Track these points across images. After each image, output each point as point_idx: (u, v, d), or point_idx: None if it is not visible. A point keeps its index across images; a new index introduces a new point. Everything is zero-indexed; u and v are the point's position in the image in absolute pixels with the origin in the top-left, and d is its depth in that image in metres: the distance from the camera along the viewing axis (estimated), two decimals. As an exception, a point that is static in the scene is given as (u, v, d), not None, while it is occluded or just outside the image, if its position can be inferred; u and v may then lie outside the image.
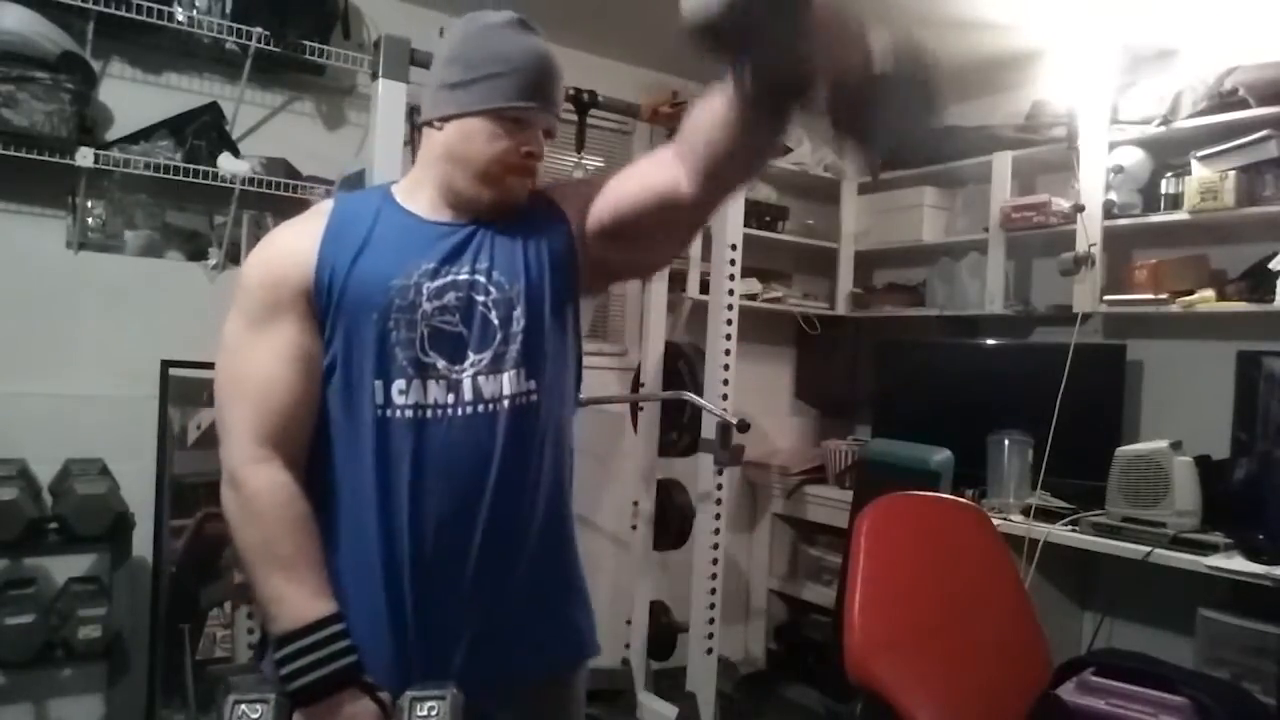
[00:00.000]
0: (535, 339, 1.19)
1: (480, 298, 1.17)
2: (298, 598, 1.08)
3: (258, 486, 1.10)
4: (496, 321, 1.17)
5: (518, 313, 1.18)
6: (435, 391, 1.13)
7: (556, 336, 1.22)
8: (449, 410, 1.13)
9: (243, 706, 1.04)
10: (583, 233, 1.24)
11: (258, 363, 1.13)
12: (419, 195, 1.23)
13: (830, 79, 0.91)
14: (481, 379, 1.15)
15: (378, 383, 1.13)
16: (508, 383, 1.16)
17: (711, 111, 1.04)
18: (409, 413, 1.12)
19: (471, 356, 1.15)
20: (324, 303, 1.14)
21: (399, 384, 1.13)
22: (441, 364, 1.14)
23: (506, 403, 1.15)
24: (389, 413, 1.12)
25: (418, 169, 1.25)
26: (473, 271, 1.17)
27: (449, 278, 1.16)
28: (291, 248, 1.17)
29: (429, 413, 1.13)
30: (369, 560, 1.13)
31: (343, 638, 1.08)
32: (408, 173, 1.29)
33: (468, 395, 1.14)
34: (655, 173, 1.16)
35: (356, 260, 1.15)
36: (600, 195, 1.23)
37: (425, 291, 1.14)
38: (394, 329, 1.13)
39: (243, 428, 1.12)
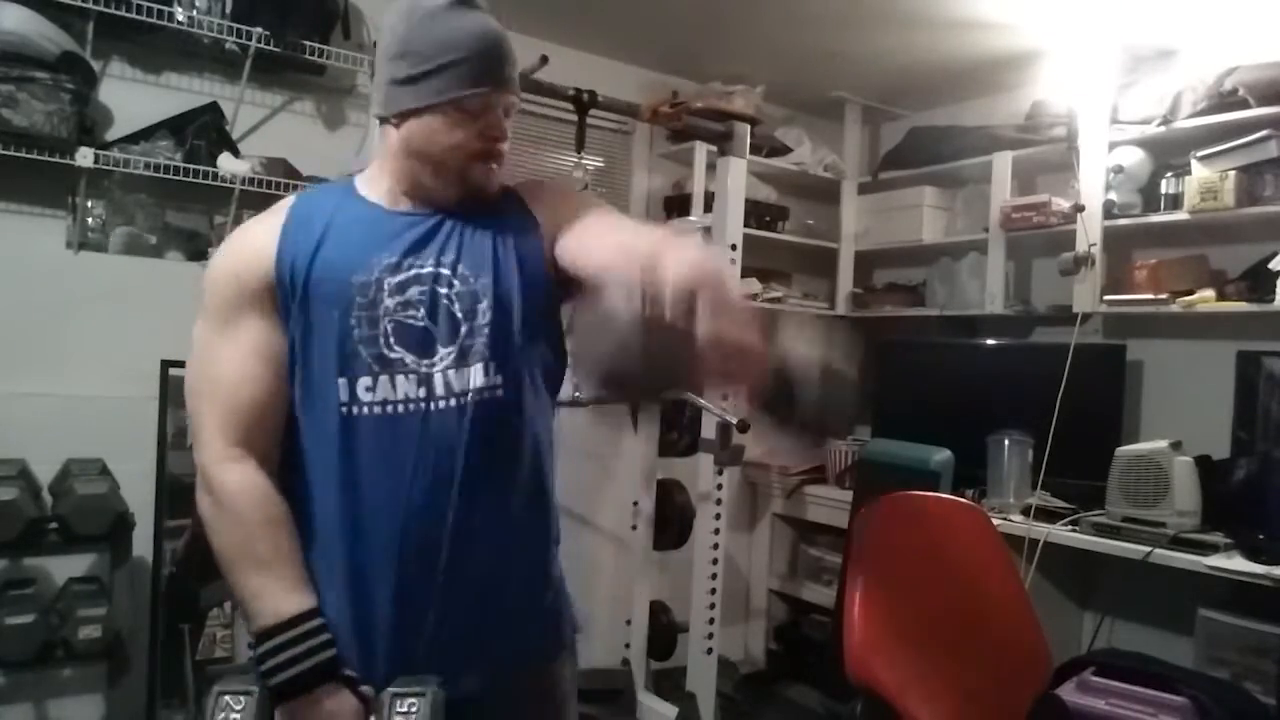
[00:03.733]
0: (503, 334, 1.16)
1: (444, 290, 1.15)
2: (275, 594, 1.08)
3: (231, 486, 1.10)
4: (460, 314, 1.15)
5: (483, 305, 1.16)
6: (405, 387, 1.11)
7: (529, 333, 1.19)
8: (422, 405, 1.12)
9: (226, 698, 1.04)
10: (552, 245, 1.21)
11: (225, 361, 1.13)
12: (379, 186, 1.21)
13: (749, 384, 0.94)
14: (451, 373, 1.13)
15: (341, 380, 1.11)
16: (474, 376, 1.14)
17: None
18: (377, 409, 1.11)
19: (440, 350, 1.13)
20: (285, 298, 1.13)
21: (364, 381, 1.11)
22: (410, 359, 1.12)
23: (472, 395, 1.14)
24: (355, 409, 1.11)
25: (377, 164, 1.22)
26: (437, 264, 1.16)
27: (411, 271, 1.14)
28: (252, 243, 1.16)
29: (400, 408, 1.11)
30: (338, 557, 1.12)
31: (321, 632, 1.08)
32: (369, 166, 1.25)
33: (439, 389, 1.12)
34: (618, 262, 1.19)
35: (316, 254, 1.13)
36: (573, 231, 1.18)
37: (387, 286, 1.13)
38: (356, 326, 1.11)
39: (213, 428, 1.11)
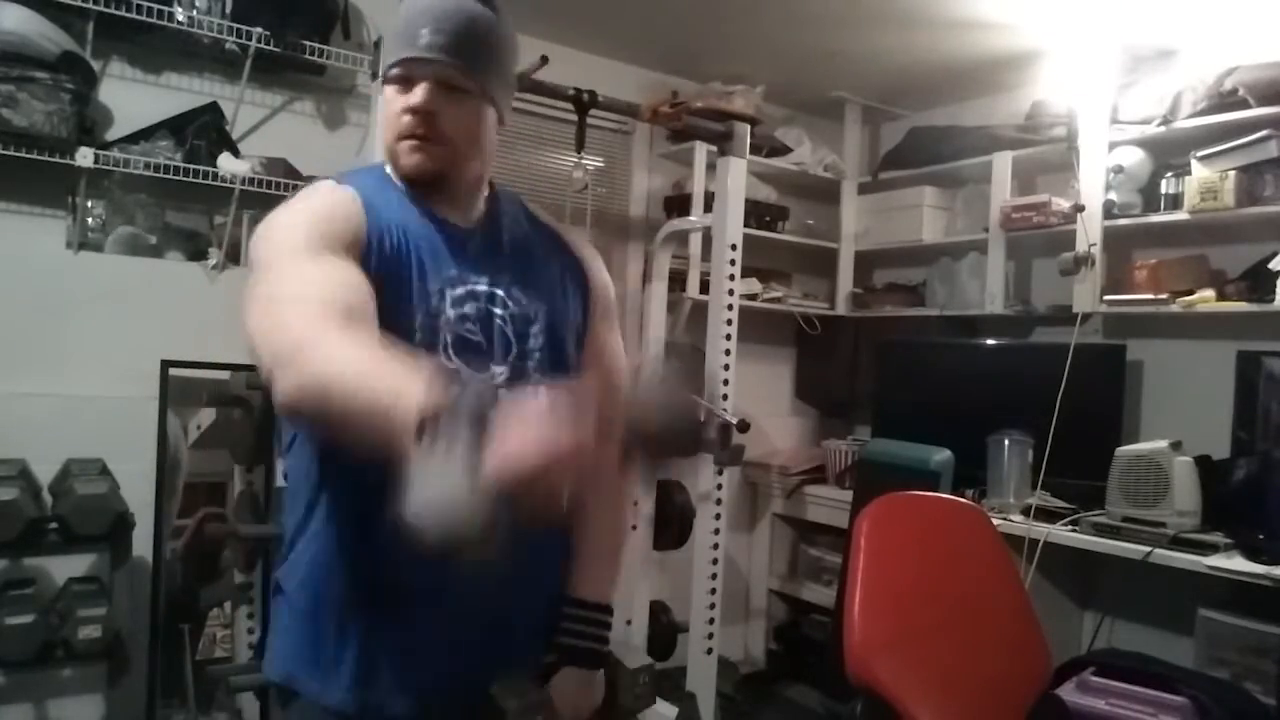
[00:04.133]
0: (553, 360, 1.18)
1: (499, 310, 1.14)
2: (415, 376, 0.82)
3: (326, 334, 0.89)
4: (512, 336, 1.14)
5: (535, 329, 1.16)
6: None
7: (571, 365, 1.21)
8: None
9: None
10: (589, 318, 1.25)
11: (316, 271, 0.97)
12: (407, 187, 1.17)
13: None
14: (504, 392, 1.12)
15: None
16: None
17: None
18: None
19: (491, 368, 1.12)
20: (367, 264, 1.05)
21: None
22: (465, 372, 1.10)
23: None
24: None
25: None
26: (492, 284, 1.15)
27: (469, 286, 1.13)
28: (342, 202, 1.07)
29: None
30: (381, 572, 1.07)
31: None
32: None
33: None
34: None
35: (391, 256, 1.08)
36: (598, 343, 1.25)
37: (449, 297, 1.11)
38: (420, 329, 1.08)
39: (307, 318, 0.91)
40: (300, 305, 0.93)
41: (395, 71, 1.11)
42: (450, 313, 1.11)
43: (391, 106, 1.12)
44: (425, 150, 1.11)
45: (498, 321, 1.14)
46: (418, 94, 1.09)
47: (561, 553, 1.22)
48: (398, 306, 1.06)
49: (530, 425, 0.75)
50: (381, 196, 1.13)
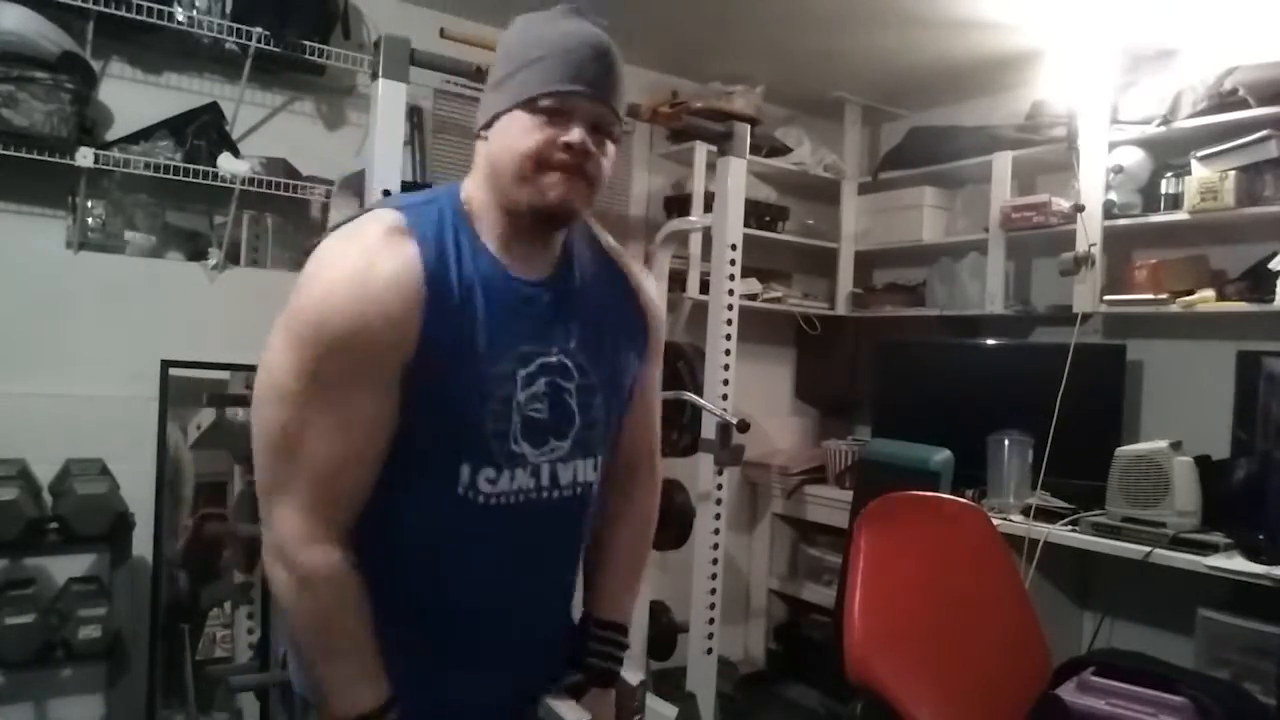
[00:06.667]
0: (610, 430, 1.19)
1: (567, 384, 1.12)
2: (353, 686, 1.03)
3: (314, 567, 1.00)
4: (576, 408, 1.13)
5: (598, 400, 1.15)
6: (522, 478, 1.10)
7: (617, 426, 1.23)
8: (533, 495, 1.11)
9: None
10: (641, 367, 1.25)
11: (324, 432, 0.99)
12: (489, 223, 1.09)
13: None
14: (560, 465, 1.13)
15: (464, 467, 1.06)
16: (586, 469, 1.16)
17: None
18: (495, 499, 1.08)
19: (552, 442, 1.11)
20: (415, 376, 1.02)
21: (488, 472, 1.07)
22: (530, 452, 1.10)
23: (580, 490, 1.16)
24: (473, 496, 1.07)
25: (479, 189, 1.10)
26: (561, 352, 1.12)
27: (539, 361, 1.10)
28: (387, 309, 0.98)
29: (514, 499, 1.09)
30: (417, 634, 1.11)
31: None
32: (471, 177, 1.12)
33: (545, 480, 1.12)
34: (624, 464, 1.28)
35: (458, 342, 1.03)
36: (642, 381, 1.26)
37: (519, 380, 1.08)
38: (489, 419, 1.06)
39: (298, 502, 1.00)
40: (297, 481, 1.00)
41: (549, 103, 1.03)
42: (521, 396, 1.08)
43: (532, 136, 1.03)
44: (576, 187, 1.05)
45: (565, 396, 1.12)
46: (577, 133, 1.03)
47: (571, 569, 1.25)
48: (459, 402, 1.04)
49: None
50: (452, 249, 1.05)
